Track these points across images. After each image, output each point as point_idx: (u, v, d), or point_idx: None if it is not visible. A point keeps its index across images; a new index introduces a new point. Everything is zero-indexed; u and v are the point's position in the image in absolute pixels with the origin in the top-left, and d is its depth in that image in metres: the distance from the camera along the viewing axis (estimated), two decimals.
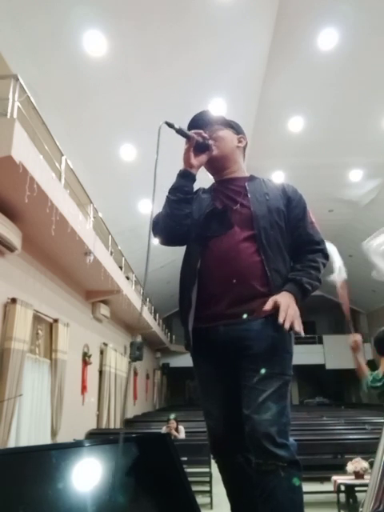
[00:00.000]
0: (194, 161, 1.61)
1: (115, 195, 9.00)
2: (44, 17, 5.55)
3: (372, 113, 8.43)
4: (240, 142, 1.70)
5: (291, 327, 1.33)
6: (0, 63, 5.52)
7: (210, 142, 1.63)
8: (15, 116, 4.20)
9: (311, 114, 8.70)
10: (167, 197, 1.61)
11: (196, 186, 1.70)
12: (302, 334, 1.35)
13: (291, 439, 1.34)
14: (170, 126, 1.54)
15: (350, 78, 7.58)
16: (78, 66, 6.34)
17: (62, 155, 5.70)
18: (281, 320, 1.32)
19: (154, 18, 6.05)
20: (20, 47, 5.69)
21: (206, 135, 1.61)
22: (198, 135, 1.60)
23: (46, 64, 6.12)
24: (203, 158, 1.63)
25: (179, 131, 1.57)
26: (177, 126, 1.55)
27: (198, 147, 1.61)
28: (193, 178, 1.62)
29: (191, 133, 1.59)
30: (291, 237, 1.55)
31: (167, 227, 1.58)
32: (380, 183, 10.69)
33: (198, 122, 1.68)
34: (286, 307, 1.35)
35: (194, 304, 1.48)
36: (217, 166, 1.67)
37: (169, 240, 1.63)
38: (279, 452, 1.27)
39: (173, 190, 1.60)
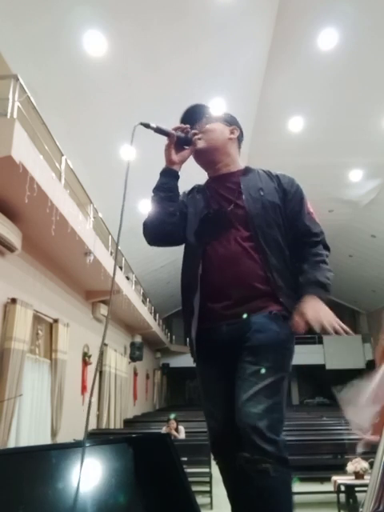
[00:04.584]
0: (175, 157, 1.57)
1: (115, 195, 8.97)
2: (44, 17, 5.55)
3: (372, 113, 8.42)
4: (232, 133, 1.64)
5: (336, 331, 1.29)
6: (0, 63, 5.52)
7: (199, 136, 1.57)
8: (15, 116, 4.20)
9: (311, 114, 8.69)
10: (151, 197, 1.58)
11: (189, 183, 1.64)
12: (351, 333, 1.32)
13: (282, 436, 1.30)
14: (146, 126, 1.49)
15: (350, 78, 7.58)
16: (78, 65, 6.34)
17: (62, 155, 5.71)
18: (321, 329, 1.29)
19: (153, 18, 6.05)
20: (20, 47, 5.69)
21: (187, 127, 1.56)
22: (179, 130, 1.55)
23: (46, 64, 6.12)
24: (185, 153, 1.58)
25: (157, 130, 1.52)
26: (154, 125, 1.50)
27: (181, 142, 1.56)
28: (175, 175, 1.58)
29: (171, 130, 1.54)
30: (290, 230, 1.51)
31: (153, 227, 1.56)
32: (380, 183, 10.69)
33: (188, 118, 1.63)
34: (317, 314, 1.32)
35: (196, 312, 1.45)
36: (206, 159, 1.61)
37: (156, 240, 1.60)
38: (267, 447, 1.23)
39: (155, 190, 1.58)
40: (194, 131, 1.58)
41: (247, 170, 1.61)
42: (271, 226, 1.47)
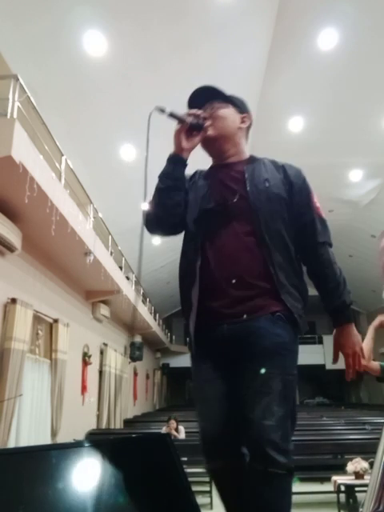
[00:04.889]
0: (186, 143, 1.47)
1: (115, 195, 9.00)
2: (44, 17, 5.55)
3: (372, 113, 8.43)
4: (243, 121, 1.56)
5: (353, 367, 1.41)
6: (0, 63, 5.52)
7: (208, 122, 1.49)
8: (15, 116, 4.21)
9: (311, 114, 8.70)
10: (156, 184, 1.49)
11: (191, 169, 1.57)
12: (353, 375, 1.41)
13: (292, 443, 1.28)
14: (161, 111, 1.43)
15: (350, 78, 7.58)
16: (78, 65, 6.34)
17: (62, 155, 5.71)
18: (347, 375, 1.40)
19: (153, 18, 6.05)
20: (20, 47, 5.69)
21: (200, 113, 1.48)
22: (191, 115, 1.47)
23: (46, 64, 6.12)
24: (196, 139, 1.49)
25: (171, 115, 1.45)
26: (168, 110, 1.44)
27: (192, 128, 1.47)
28: (183, 163, 1.49)
29: (184, 115, 1.46)
30: (295, 225, 1.44)
31: (157, 217, 1.47)
32: (380, 183, 10.69)
33: (198, 98, 1.54)
34: (354, 361, 1.39)
35: (195, 305, 1.39)
36: (214, 148, 1.54)
37: (159, 230, 1.53)
38: (280, 459, 1.22)
39: (162, 177, 1.48)
40: (204, 114, 1.49)
41: (252, 160, 1.54)
42: (276, 220, 1.40)
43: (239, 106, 1.57)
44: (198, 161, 1.60)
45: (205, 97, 1.54)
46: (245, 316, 1.34)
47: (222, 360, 1.38)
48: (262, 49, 7.14)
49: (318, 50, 7.14)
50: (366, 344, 2.50)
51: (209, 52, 6.72)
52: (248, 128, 1.60)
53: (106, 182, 8.61)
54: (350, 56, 7.13)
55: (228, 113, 1.53)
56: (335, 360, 1.43)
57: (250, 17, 6.46)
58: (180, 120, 1.46)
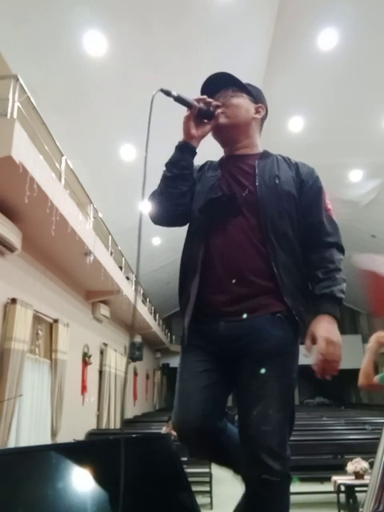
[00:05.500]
0: (195, 131, 1.41)
1: (115, 195, 9.00)
2: (44, 17, 5.55)
3: (372, 113, 8.43)
4: (258, 112, 1.49)
5: (324, 373, 1.23)
6: (0, 63, 5.52)
7: (220, 109, 1.42)
8: (15, 116, 4.21)
9: (311, 114, 8.70)
10: (163, 172, 1.43)
11: (201, 159, 1.52)
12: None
13: (289, 450, 1.25)
14: (167, 93, 1.35)
15: (350, 78, 7.58)
16: (78, 66, 6.35)
17: (62, 155, 5.71)
18: (316, 368, 1.21)
19: (154, 18, 6.05)
20: (20, 47, 5.69)
21: (211, 101, 1.42)
22: (201, 101, 1.40)
23: (46, 64, 6.13)
24: (206, 127, 1.43)
25: (178, 99, 1.38)
26: (175, 93, 1.36)
27: (202, 115, 1.41)
28: (192, 151, 1.43)
29: (193, 100, 1.39)
30: (303, 224, 1.39)
31: (161, 207, 1.40)
32: (380, 183, 10.70)
33: (212, 85, 1.47)
34: (326, 346, 1.20)
35: (193, 298, 1.34)
36: (225, 137, 1.48)
37: (163, 221, 1.44)
38: (275, 466, 1.18)
39: (168, 165, 1.42)
40: (216, 103, 1.43)
41: (265, 155, 1.48)
42: (283, 218, 1.35)
43: (254, 95, 1.50)
44: (208, 152, 1.56)
45: (218, 85, 1.48)
46: (244, 315, 1.29)
47: (213, 357, 1.32)
48: (262, 49, 7.14)
49: (318, 50, 7.14)
50: (365, 367, 2.40)
51: (209, 52, 6.72)
52: (262, 120, 1.54)
53: (106, 182, 8.61)
54: (350, 56, 7.13)
55: (242, 101, 1.47)
56: (308, 351, 1.28)
57: (250, 17, 6.46)
58: (188, 105, 1.39)
